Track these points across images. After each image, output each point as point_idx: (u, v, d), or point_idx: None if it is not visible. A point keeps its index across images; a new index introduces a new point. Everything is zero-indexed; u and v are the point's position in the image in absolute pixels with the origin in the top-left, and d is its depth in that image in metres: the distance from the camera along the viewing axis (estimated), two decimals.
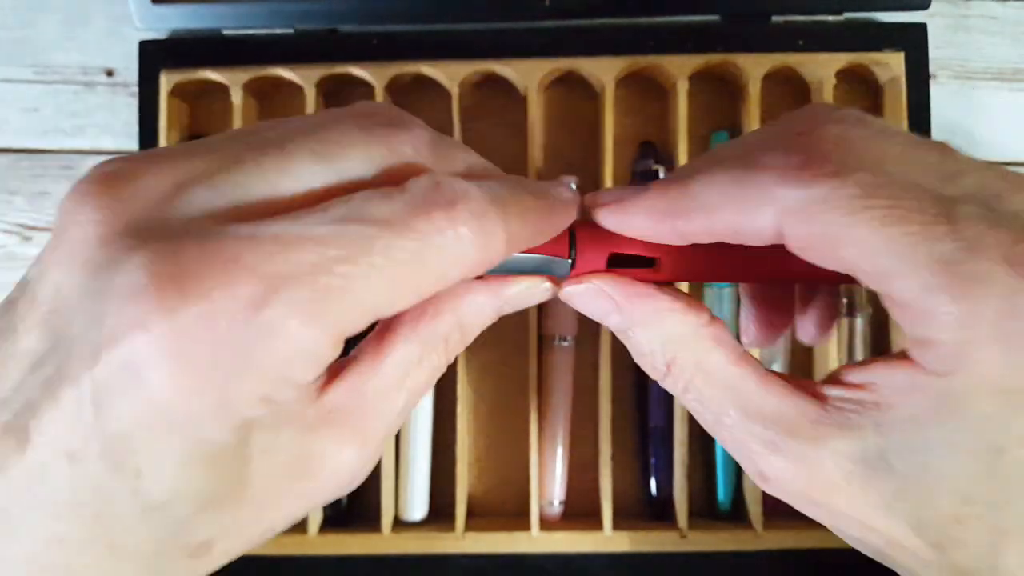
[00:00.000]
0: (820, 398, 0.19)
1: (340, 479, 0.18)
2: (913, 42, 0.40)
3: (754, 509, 0.39)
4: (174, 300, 0.14)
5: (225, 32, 0.41)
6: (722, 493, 0.41)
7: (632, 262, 0.21)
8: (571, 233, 0.21)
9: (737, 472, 0.40)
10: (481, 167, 0.20)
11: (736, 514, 0.41)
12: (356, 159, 0.18)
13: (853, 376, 0.19)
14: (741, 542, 0.39)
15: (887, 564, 0.20)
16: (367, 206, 0.16)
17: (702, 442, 0.41)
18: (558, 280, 0.22)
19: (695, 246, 0.20)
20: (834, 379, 0.19)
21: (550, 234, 0.20)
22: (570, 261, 0.21)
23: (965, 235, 0.16)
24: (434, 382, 0.20)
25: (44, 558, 0.16)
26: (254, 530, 0.17)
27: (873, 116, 0.19)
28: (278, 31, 0.41)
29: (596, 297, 0.21)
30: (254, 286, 0.15)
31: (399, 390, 0.19)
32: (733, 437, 0.20)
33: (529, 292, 0.21)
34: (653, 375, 0.21)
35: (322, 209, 0.16)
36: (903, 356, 0.18)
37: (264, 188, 0.16)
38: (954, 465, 0.17)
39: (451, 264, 0.17)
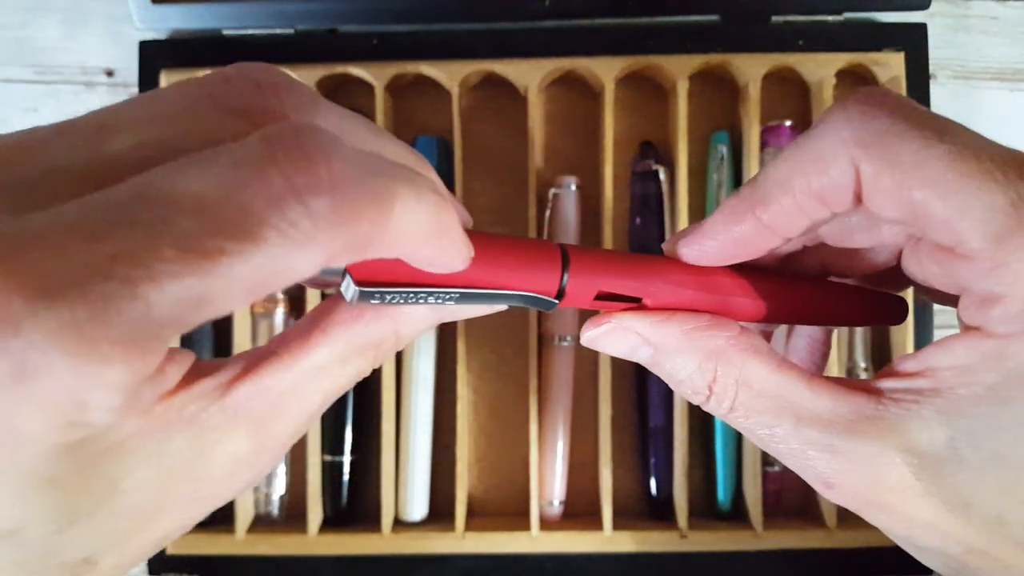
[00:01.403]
0: (875, 393, 0.17)
1: (234, 482, 0.16)
2: (913, 42, 0.40)
3: (754, 509, 0.39)
4: None
5: (225, 32, 0.41)
6: (722, 493, 0.41)
7: (618, 301, 0.20)
8: (563, 269, 0.19)
9: (737, 472, 0.40)
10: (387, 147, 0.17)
11: (736, 514, 0.41)
12: (190, 116, 0.14)
13: (908, 365, 0.17)
14: (741, 542, 0.39)
15: None
16: (169, 176, 0.12)
17: (702, 442, 0.41)
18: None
19: (681, 283, 0.20)
20: (887, 372, 0.18)
21: (438, 249, 0.16)
22: (556, 302, 0.19)
23: None
24: (353, 384, 0.18)
25: None
26: (144, 540, 0.16)
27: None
28: (278, 31, 0.41)
29: (621, 335, 0.20)
30: None
31: (315, 392, 0.17)
32: (789, 449, 0.18)
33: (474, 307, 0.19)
34: (695, 400, 0.20)
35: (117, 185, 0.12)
36: (963, 331, 0.16)
37: (64, 157, 0.13)
38: None
39: (293, 260, 0.13)
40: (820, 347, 0.24)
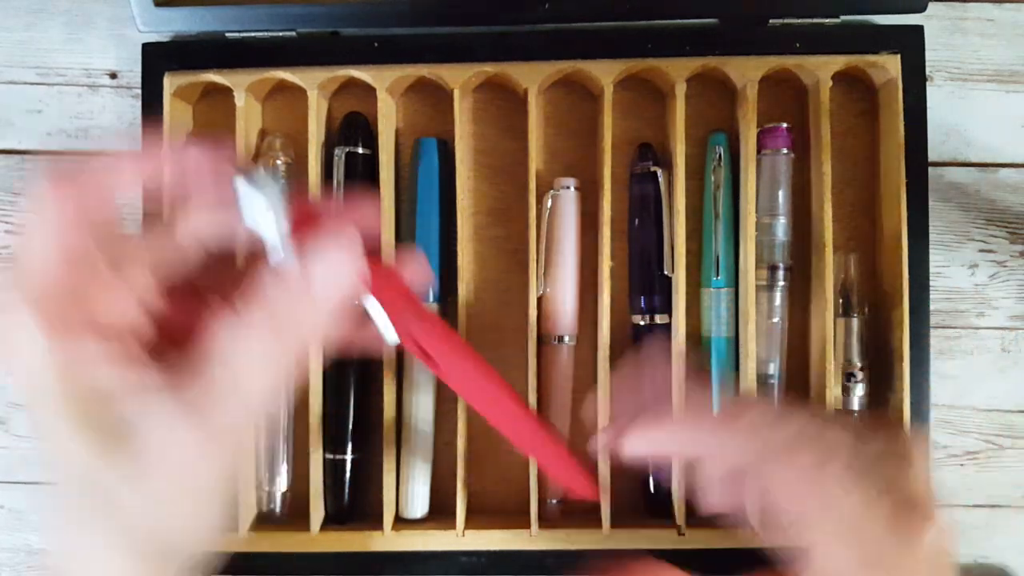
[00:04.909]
0: None
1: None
2: (910, 44, 0.41)
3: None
4: None
5: (228, 35, 0.42)
6: None
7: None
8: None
9: None
10: None
11: None
12: None
13: None
14: (738, 539, 0.39)
15: None
16: None
17: None
18: None
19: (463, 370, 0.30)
20: None
21: None
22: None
23: None
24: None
25: None
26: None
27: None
28: (280, 34, 0.41)
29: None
30: None
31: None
32: None
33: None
34: None
35: None
36: None
37: None
38: None
39: None
40: None
